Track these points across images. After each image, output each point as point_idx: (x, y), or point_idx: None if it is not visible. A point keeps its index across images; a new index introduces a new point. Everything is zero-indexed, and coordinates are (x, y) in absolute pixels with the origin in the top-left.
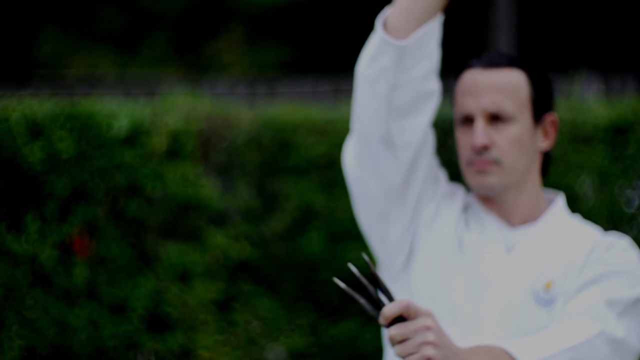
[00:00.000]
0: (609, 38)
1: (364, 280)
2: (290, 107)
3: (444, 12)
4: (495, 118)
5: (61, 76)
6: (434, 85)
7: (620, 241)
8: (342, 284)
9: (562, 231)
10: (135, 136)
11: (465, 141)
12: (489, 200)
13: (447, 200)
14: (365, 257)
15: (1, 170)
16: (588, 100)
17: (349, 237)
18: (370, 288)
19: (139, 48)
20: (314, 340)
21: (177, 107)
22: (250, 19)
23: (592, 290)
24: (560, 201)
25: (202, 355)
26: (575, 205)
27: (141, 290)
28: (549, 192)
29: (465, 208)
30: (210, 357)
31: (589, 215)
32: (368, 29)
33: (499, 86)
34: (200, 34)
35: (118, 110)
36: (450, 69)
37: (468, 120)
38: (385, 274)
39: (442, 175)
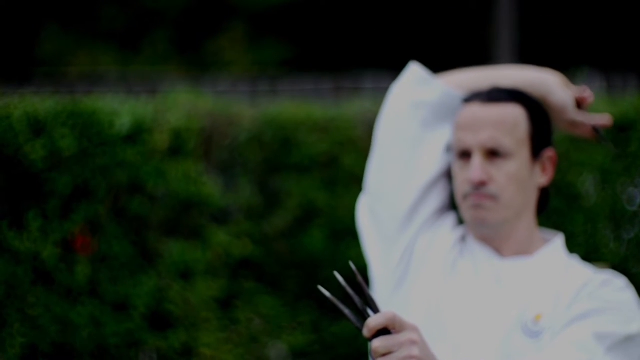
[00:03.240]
0: (610, 36)
1: (349, 290)
2: (292, 104)
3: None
4: (493, 153)
5: (63, 74)
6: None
7: (615, 280)
8: (327, 293)
9: (555, 267)
10: (137, 134)
11: (463, 176)
12: (482, 236)
13: (447, 229)
14: (353, 266)
15: (3, 167)
16: None
17: (350, 234)
18: (356, 298)
19: (140, 46)
20: (316, 338)
21: (179, 104)
22: (252, 17)
23: (582, 324)
24: (558, 241)
25: (204, 353)
26: (577, 203)
27: (143, 288)
28: (548, 233)
29: (461, 240)
30: (212, 355)
31: (591, 213)
32: (369, 27)
33: (498, 122)
34: (202, 31)
35: (120, 108)
36: (453, 68)
37: (466, 154)
38: (379, 293)
39: (450, 216)
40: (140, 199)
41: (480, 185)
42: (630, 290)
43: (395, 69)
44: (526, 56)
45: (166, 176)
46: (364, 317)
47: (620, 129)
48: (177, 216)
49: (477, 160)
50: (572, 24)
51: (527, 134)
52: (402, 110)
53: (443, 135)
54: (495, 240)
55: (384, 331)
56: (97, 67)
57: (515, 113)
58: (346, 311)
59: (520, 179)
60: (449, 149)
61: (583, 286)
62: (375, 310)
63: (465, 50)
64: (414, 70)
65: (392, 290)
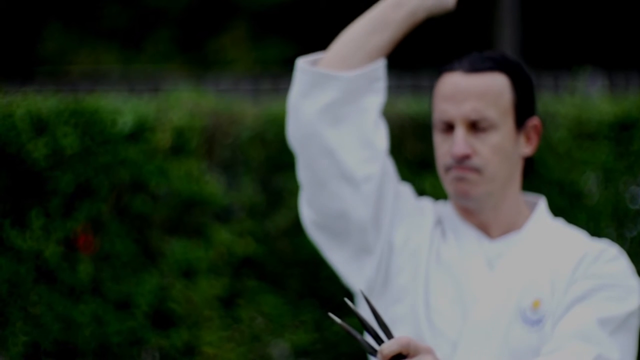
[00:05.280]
0: (612, 34)
1: (361, 316)
2: None
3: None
4: (476, 125)
5: (65, 72)
6: (381, 123)
7: (607, 250)
8: (337, 320)
9: (546, 241)
10: (140, 132)
11: (445, 148)
12: (467, 210)
13: (418, 217)
14: (362, 292)
15: (6, 166)
16: (592, 96)
17: None
18: (368, 324)
19: (143, 44)
20: (318, 337)
21: (182, 103)
22: (254, 15)
23: (583, 308)
24: (542, 206)
25: (206, 351)
26: (579, 201)
27: (145, 286)
28: (530, 196)
29: (439, 221)
30: (214, 354)
31: (594, 211)
32: None
33: (482, 92)
34: (205, 30)
35: (122, 107)
36: None
37: (448, 126)
38: (363, 302)
39: (406, 192)
40: (143, 198)
41: (463, 159)
42: (622, 258)
43: (396, 68)
44: (528, 55)
45: (168, 175)
46: (377, 341)
47: (623, 128)
48: (180, 215)
49: (460, 133)
50: (574, 23)
51: (511, 103)
52: (312, 122)
53: (366, 114)
54: (482, 214)
55: (398, 356)
56: (99, 65)
57: (498, 82)
58: (358, 337)
59: (504, 150)
60: (377, 123)
61: (577, 264)
62: (388, 334)
63: (467, 49)
64: (304, 72)
65: (376, 297)
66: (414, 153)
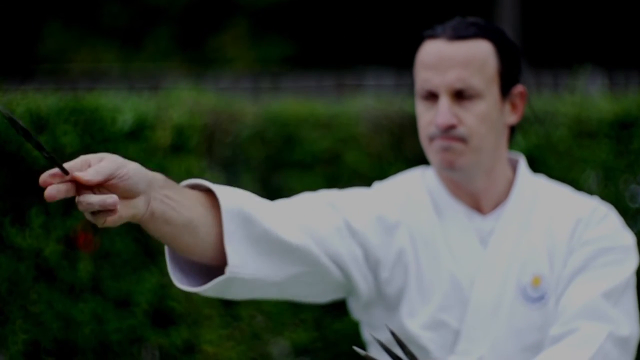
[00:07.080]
0: (612, 33)
1: (386, 345)
2: (295, 101)
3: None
4: (461, 94)
5: (65, 70)
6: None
7: (597, 209)
8: (362, 352)
9: (535, 208)
10: (140, 130)
11: (428, 117)
12: (456, 183)
13: (382, 222)
14: (388, 325)
15: (5, 164)
16: (592, 95)
17: None
18: (393, 354)
19: (143, 42)
20: (319, 335)
21: (182, 101)
22: (255, 14)
23: (585, 281)
24: (522, 165)
25: (206, 350)
26: None
27: (145, 284)
28: (510, 154)
29: (404, 211)
30: (214, 352)
31: None
32: (371, 24)
33: (466, 61)
34: (204, 28)
35: (122, 105)
36: None
37: (431, 95)
38: (359, 311)
39: (347, 207)
40: None
41: (448, 129)
42: (612, 214)
43: (397, 66)
44: (528, 55)
45: (168, 173)
46: None
47: (623, 126)
48: None
49: (444, 102)
50: (574, 21)
51: (496, 71)
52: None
53: (281, 250)
54: (471, 185)
55: None
56: (99, 63)
57: (483, 50)
58: None
59: (490, 119)
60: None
61: (572, 233)
62: None
63: None
64: (208, 290)
65: (373, 309)
66: (414, 152)
